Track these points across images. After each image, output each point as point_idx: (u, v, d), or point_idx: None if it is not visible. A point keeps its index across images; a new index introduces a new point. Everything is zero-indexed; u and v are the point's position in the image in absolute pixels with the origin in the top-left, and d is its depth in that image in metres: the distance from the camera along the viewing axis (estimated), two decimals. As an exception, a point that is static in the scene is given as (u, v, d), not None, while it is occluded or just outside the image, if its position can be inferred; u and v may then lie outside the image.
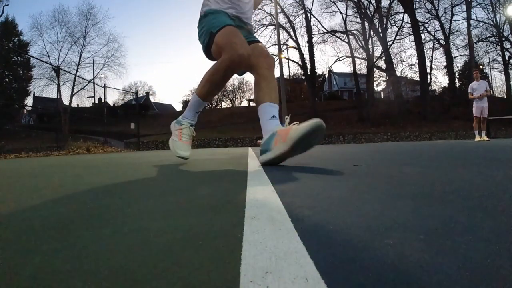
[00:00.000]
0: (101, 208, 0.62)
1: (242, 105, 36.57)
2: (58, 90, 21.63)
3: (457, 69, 23.91)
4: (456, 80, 23.59)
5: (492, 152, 2.18)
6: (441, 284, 0.25)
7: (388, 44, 22.11)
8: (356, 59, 23.34)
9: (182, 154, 1.72)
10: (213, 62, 1.64)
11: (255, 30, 20.95)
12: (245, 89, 37.77)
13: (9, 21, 21.65)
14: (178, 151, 1.72)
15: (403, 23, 22.45)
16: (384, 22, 22.08)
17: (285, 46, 22.89)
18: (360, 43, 23.18)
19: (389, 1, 22.13)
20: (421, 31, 21.38)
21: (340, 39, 23.86)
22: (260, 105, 1.52)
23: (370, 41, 22.72)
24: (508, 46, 21.66)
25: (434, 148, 3.22)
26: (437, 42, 22.94)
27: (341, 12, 23.36)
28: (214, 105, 36.16)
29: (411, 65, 24.45)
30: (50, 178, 1.34)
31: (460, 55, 23.59)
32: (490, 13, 21.54)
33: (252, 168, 1.32)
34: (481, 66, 20.90)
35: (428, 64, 22.06)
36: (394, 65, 22.46)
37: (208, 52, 1.68)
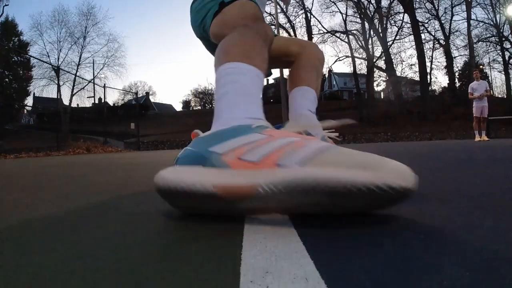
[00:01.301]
0: (101, 208, 0.62)
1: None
2: (58, 90, 21.64)
3: (457, 69, 23.90)
4: (456, 80, 23.58)
5: (492, 152, 2.18)
6: (441, 284, 0.25)
7: (388, 44, 22.11)
8: (356, 59, 23.35)
9: (411, 174, 0.39)
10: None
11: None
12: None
13: (9, 21, 21.65)
14: (392, 165, 0.40)
15: (403, 23, 22.45)
16: (384, 22, 22.08)
17: (285, 46, 22.83)
18: (360, 43, 23.19)
19: (389, 1, 22.14)
20: (421, 31, 21.38)
21: (340, 39, 23.85)
22: (303, 87, 1.02)
23: (370, 41, 22.72)
24: (508, 46, 21.67)
25: (434, 148, 3.22)
26: (437, 42, 22.95)
27: (341, 12, 23.35)
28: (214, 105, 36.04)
29: (411, 65, 24.42)
30: (50, 178, 1.34)
31: (460, 55, 23.58)
32: (490, 13, 21.53)
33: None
34: (481, 66, 20.87)
35: (428, 64, 22.07)
36: (394, 65, 22.45)
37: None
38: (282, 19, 22.08)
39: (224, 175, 0.42)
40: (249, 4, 0.86)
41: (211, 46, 0.94)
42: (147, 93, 33.97)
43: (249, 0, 0.88)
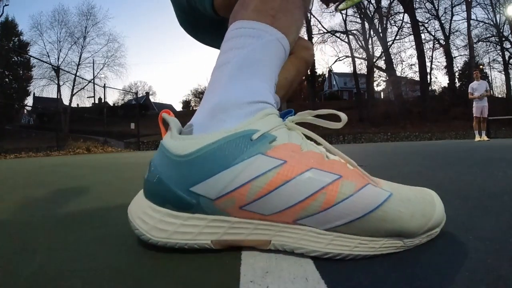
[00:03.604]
0: (101, 208, 0.62)
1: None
2: (58, 90, 21.64)
3: (457, 69, 23.89)
4: (456, 80, 23.57)
5: (492, 152, 2.18)
6: (441, 284, 0.25)
7: (388, 44, 22.12)
8: (356, 59, 23.35)
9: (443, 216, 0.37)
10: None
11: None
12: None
13: (9, 21, 21.66)
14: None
15: (403, 23, 22.46)
16: (384, 22, 22.08)
17: (285, 46, 22.83)
18: (360, 43, 23.20)
19: (389, 1, 22.14)
20: (421, 31, 21.38)
21: (340, 39, 23.85)
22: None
23: (370, 41, 22.73)
24: (508, 46, 21.66)
25: (434, 148, 3.22)
26: (437, 42, 22.95)
27: (341, 12, 23.36)
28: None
29: (411, 65, 24.44)
30: (50, 178, 1.34)
31: (460, 55, 23.57)
32: (490, 13, 21.53)
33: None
34: (481, 66, 20.86)
35: (428, 64, 22.07)
36: (394, 65, 22.46)
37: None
38: (282, 19, 22.02)
39: (223, 228, 0.32)
40: None
41: (193, 20, 0.78)
42: (147, 93, 33.98)
43: None
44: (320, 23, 34.38)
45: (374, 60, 22.61)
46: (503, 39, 21.60)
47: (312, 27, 23.14)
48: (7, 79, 21.06)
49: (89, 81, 20.88)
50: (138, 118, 12.47)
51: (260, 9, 0.42)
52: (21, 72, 21.86)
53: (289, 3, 0.45)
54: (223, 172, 0.30)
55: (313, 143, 0.36)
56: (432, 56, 23.22)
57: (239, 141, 0.31)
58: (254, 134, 0.32)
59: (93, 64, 24.58)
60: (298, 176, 0.30)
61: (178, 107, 33.48)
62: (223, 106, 0.34)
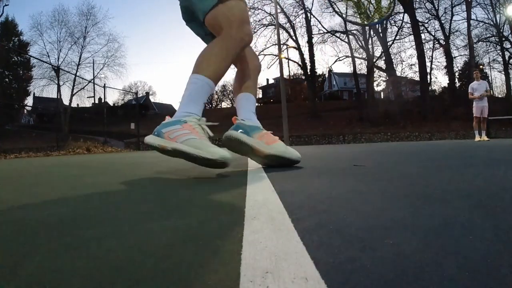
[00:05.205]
0: (101, 208, 0.62)
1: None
2: (58, 90, 21.66)
3: (457, 69, 23.91)
4: (456, 80, 23.59)
5: (492, 152, 2.18)
6: (441, 284, 0.25)
7: (388, 44, 22.12)
8: (356, 59, 23.36)
9: (222, 153, 1.01)
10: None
11: (255, 30, 21.06)
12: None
13: (9, 21, 21.67)
14: (210, 149, 1.02)
15: (403, 23, 22.47)
16: (384, 22, 22.08)
17: (285, 46, 22.94)
18: (360, 43, 23.20)
19: (389, 1, 22.12)
20: (421, 31, 21.38)
21: (340, 39, 23.87)
22: (250, 94, 1.43)
23: (370, 41, 22.74)
24: (508, 46, 21.67)
25: (434, 148, 3.22)
26: (437, 42, 22.96)
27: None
28: (214, 105, 36.29)
29: (411, 65, 24.48)
30: (50, 178, 1.34)
31: (460, 55, 23.59)
32: (490, 13, 21.55)
33: (252, 168, 1.32)
34: (481, 66, 20.88)
35: (428, 64, 22.08)
36: (394, 65, 22.48)
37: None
38: (282, 19, 22.08)
39: (162, 141, 1.09)
40: (237, 7, 1.24)
41: (188, 14, 1.41)
42: (147, 93, 33.99)
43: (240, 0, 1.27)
44: (320, 23, 34.36)
45: (374, 60, 22.61)
46: (503, 39, 21.60)
47: (312, 27, 23.17)
48: (7, 79, 21.05)
49: (89, 81, 20.89)
50: (138, 118, 12.47)
51: (201, 67, 1.18)
52: (21, 72, 21.86)
53: (219, 58, 1.20)
54: (168, 127, 1.11)
55: (205, 128, 1.14)
56: (432, 56, 23.25)
57: (176, 122, 1.11)
58: (181, 120, 1.11)
59: (93, 64, 24.62)
60: (183, 130, 1.07)
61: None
62: (179, 115, 1.13)
